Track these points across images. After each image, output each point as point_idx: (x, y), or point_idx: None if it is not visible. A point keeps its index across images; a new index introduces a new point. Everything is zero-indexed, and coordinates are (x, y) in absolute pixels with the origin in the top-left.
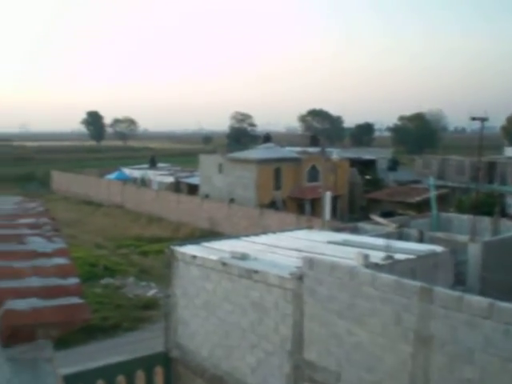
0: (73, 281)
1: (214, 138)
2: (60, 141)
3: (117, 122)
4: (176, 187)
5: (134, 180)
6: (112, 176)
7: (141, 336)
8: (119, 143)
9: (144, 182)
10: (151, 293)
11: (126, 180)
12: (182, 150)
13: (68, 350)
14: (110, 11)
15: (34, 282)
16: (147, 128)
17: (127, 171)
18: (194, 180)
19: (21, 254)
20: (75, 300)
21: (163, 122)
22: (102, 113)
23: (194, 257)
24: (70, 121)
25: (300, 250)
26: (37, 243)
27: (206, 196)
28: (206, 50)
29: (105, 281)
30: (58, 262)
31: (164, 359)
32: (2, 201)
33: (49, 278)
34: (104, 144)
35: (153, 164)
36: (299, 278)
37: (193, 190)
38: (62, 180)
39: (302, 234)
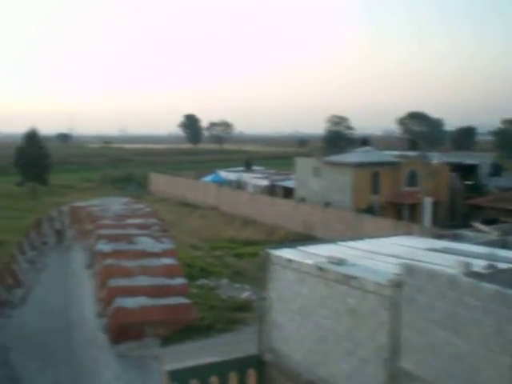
0: (180, 281)
1: (310, 141)
2: (157, 143)
3: (213, 125)
4: (271, 190)
5: (229, 182)
6: (208, 178)
7: (234, 338)
8: (215, 146)
9: (239, 185)
10: (245, 295)
11: (221, 182)
12: (277, 153)
13: (163, 348)
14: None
15: (143, 281)
16: (243, 131)
17: (223, 174)
18: (289, 183)
19: (130, 254)
20: (182, 300)
21: (259, 124)
22: (198, 116)
23: (290, 260)
24: (168, 124)
25: (398, 257)
26: (146, 243)
27: (301, 199)
28: (302, 54)
29: (200, 281)
30: (165, 262)
31: (257, 362)
32: (111, 201)
33: (157, 277)
34: (200, 147)
35: (248, 167)
36: (397, 285)
37: (288, 193)
38: (159, 181)
39: (401, 240)
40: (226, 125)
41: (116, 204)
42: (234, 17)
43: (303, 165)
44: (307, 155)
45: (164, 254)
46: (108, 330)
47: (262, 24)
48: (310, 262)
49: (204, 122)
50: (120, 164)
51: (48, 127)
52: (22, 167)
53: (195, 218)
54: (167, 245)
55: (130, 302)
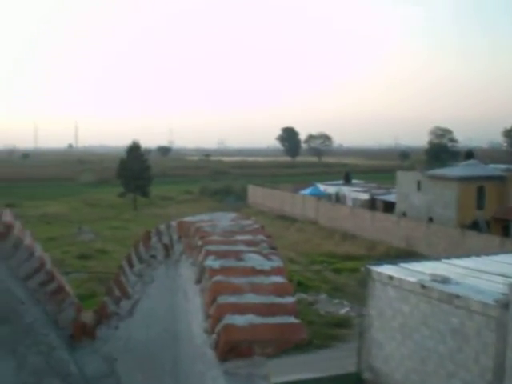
0: (289, 300)
1: (412, 154)
2: (256, 156)
3: (311, 137)
4: (371, 204)
5: (328, 196)
6: (306, 191)
7: (332, 354)
8: (314, 159)
9: (338, 199)
10: (344, 311)
11: (320, 196)
12: (377, 166)
13: None
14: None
15: (252, 298)
16: (342, 143)
17: (321, 187)
18: (389, 197)
19: (239, 271)
20: (292, 319)
21: (358, 137)
22: (297, 129)
23: (391, 277)
24: (266, 137)
25: (506, 276)
26: (254, 260)
27: (403, 214)
28: (402, 63)
29: (298, 296)
30: (275, 280)
31: (356, 380)
32: (219, 217)
33: (266, 295)
34: (299, 160)
35: (347, 180)
36: (505, 305)
37: (388, 207)
38: (257, 194)
39: (508, 258)
40: (324, 137)
41: (224, 220)
42: (328, 25)
43: (405, 178)
44: (409, 168)
45: (273, 271)
46: (216, 346)
47: (358, 33)
48: (412, 279)
49: (302, 135)
50: (219, 177)
51: (149, 140)
52: (124, 179)
53: (293, 231)
54: (276, 262)
55: (240, 320)
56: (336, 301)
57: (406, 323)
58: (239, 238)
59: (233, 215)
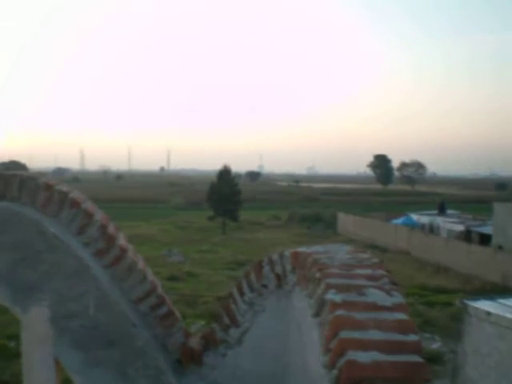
0: (413, 338)
1: (510, 184)
2: (346, 183)
3: (404, 165)
4: (466, 236)
5: (421, 226)
6: (398, 221)
7: None
8: (406, 187)
9: (432, 229)
10: (435, 346)
11: (412, 226)
12: (471, 196)
13: None
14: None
15: (375, 335)
16: (435, 172)
17: (414, 217)
18: (486, 229)
19: (361, 306)
20: (416, 358)
21: (452, 165)
22: (389, 156)
23: (489, 313)
24: (357, 164)
25: None
26: (376, 295)
27: (499, 247)
28: (500, 91)
29: None
30: (398, 317)
31: None
32: (334, 248)
33: (390, 332)
34: (391, 188)
35: (442, 210)
36: None
37: (484, 240)
38: (347, 222)
39: None
40: (417, 165)
41: (341, 252)
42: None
43: (502, 210)
44: (506, 200)
45: (395, 308)
46: (337, 382)
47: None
48: (510, 316)
49: (395, 163)
50: (308, 203)
51: (239, 165)
52: (213, 203)
53: (384, 261)
54: (398, 298)
55: (363, 356)
56: (427, 335)
57: (503, 361)
58: (359, 271)
59: (348, 247)
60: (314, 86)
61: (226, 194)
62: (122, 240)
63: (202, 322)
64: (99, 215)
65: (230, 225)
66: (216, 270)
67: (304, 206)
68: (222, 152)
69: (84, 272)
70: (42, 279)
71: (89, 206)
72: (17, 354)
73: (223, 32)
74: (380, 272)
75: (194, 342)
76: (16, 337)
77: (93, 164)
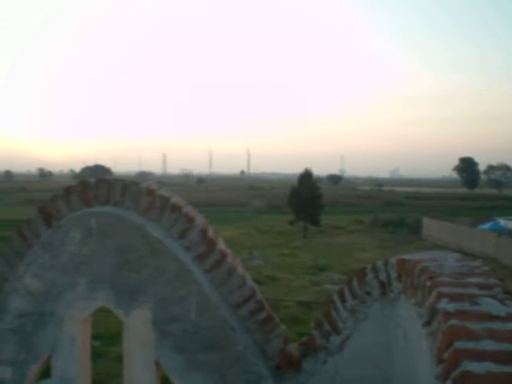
0: None
1: None
2: (430, 187)
3: (491, 168)
4: None
5: (509, 232)
6: (485, 226)
7: None
8: (493, 191)
9: None
10: None
11: (500, 231)
12: None
13: None
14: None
15: (490, 345)
16: None
17: (502, 222)
18: None
19: (475, 315)
20: None
21: None
22: (476, 159)
23: None
24: (442, 167)
25: None
26: (490, 305)
27: None
28: None
29: None
30: None
31: None
32: (441, 256)
33: (505, 343)
34: (477, 192)
35: None
36: None
37: None
38: (432, 227)
39: None
40: (505, 168)
41: (449, 260)
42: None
43: None
44: None
45: (510, 318)
46: None
47: None
48: None
49: (482, 166)
50: (391, 207)
51: (320, 168)
52: (294, 206)
53: None
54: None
55: (478, 367)
56: None
57: None
58: (471, 280)
59: (457, 255)
60: (399, 87)
61: (307, 197)
62: (221, 245)
63: (283, 327)
64: (199, 220)
65: (311, 229)
66: (297, 274)
67: (387, 211)
68: (303, 155)
69: (186, 276)
70: (144, 283)
71: (189, 210)
72: (101, 354)
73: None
74: (492, 281)
75: (293, 348)
76: (100, 337)
77: (174, 168)
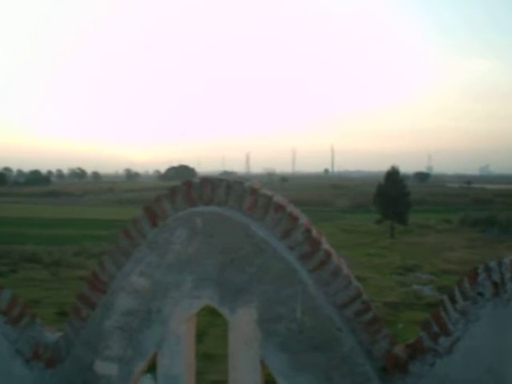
0: None
1: None
2: None
3: None
4: None
5: None
6: None
7: None
8: None
9: None
10: None
11: None
12: None
13: None
14: None
15: None
16: None
17: None
18: None
19: None
20: None
21: None
22: None
23: None
24: None
25: None
26: None
27: None
28: None
29: None
30: None
31: None
32: None
33: None
34: None
35: None
36: None
37: None
38: None
39: None
40: None
41: None
42: None
43: None
44: None
45: None
46: None
47: None
48: None
49: None
50: (481, 205)
51: (406, 166)
52: (381, 205)
53: None
54: None
55: None
56: None
57: None
58: None
59: None
60: (490, 81)
61: (394, 196)
62: (326, 244)
63: None
64: (303, 219)
65: (398, 228)
66: (384, 274)
67: (476, 209)
68: (388, 153)
69: (291, 275)
70: (249, 281)
71: (293, 209)
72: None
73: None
74: None
75: (400, 350)
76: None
77: (257, 167)
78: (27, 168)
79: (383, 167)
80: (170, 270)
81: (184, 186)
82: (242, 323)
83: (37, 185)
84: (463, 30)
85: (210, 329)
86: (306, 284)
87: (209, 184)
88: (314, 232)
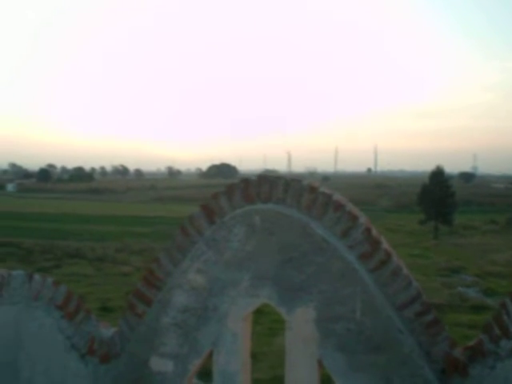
0: None
1: None
2: None
3: None
4: None
5: None
6: None
7: None
8: None
9: None
10: None
11: None
12: None
13: None
14: None
15: None
16: None
17: None
18: None
19: None
20: None
21: None
22: None
23: None
24: None
25: None
26: None
27: None
28: None
29: None
30: None
31: None
32: None
33: None
34: None
35: None
36: None
37: None
38: None
39: None
40: None
41: None
42: None
43: None
44: None
45: None
46: None
47: None
48: None
49: None
50: None
51: (451, 166)
52: (425, 205)
53: None
54: None
55: None
56: None
57: None
58: None
59: None
60: None
61: (439, 196)
62: (385, 244)
63: None
64: (363, 218)
65: (442, 229)
66: (428, 276)
67: None
68: (432, 152)
69: (351, 275)
70: (308, 281)
71: (352, 208)
72: None
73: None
74: None
75: (459, 352)
76: None
77: (299, 166)
78: (71, 165)
79: (428, 167)
80: (228, 267)
81: (242, 184)
82: (300, 323)
83: (80, 181)
84: None
85: (253, 327)
86: (365, 284)
87: (267, 182)
88: (374, 231)
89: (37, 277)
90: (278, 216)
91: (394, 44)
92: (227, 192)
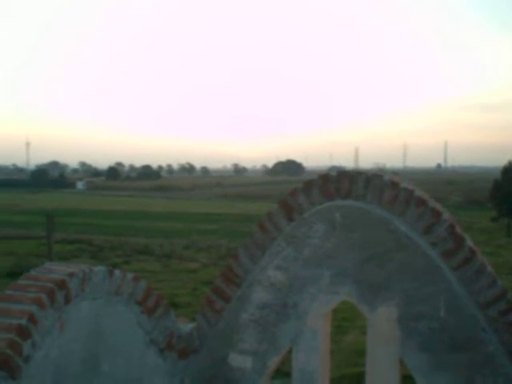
0: None
1: None
2: None
3: None
4: None
5: None
6: None
7: None
8: None
9: None
10: None
11: None
12: None
13: None
14: None
15: None
16: None
17: None
18: None
19: None
20: None
21: None
22: None
23: None
24: None
25: None
26: None
27: None
28: None
29: None
30: None
31: None
32: None
33: None
34: None
35: None
36: None
37: None
38: None
39: None
40: None
41: None
42: None
43: None
44: None
45: None
46: None
47: None
48: None
49: None
50: None
51: None
52: (497, 202)
53: None
54: None
55: None
56: None
57: None
58: None
59: None
60: None
61: (510, 192)
62: (470, 241)
63: None
64: (446, 215)
65: None
66: (500, 274)
67: None
68: (504, 147)
69: (434, 272)
70: (390, 278)
71: (435, 204)
72: None
73: None
74: None
75: None
76: None
77: (367, 162)
78: (139, 163)
79: (500, 162)
80: (307, 264)
81: (320, 180)
82: (382, 321)
83: (148, 179)
84: None
85: None
86: (449, 282)
87: (347, 177)
88: (458, 228)
89: (117, 272)
90: (359, 212)
91: (458, 34)
92: (305, 188)
